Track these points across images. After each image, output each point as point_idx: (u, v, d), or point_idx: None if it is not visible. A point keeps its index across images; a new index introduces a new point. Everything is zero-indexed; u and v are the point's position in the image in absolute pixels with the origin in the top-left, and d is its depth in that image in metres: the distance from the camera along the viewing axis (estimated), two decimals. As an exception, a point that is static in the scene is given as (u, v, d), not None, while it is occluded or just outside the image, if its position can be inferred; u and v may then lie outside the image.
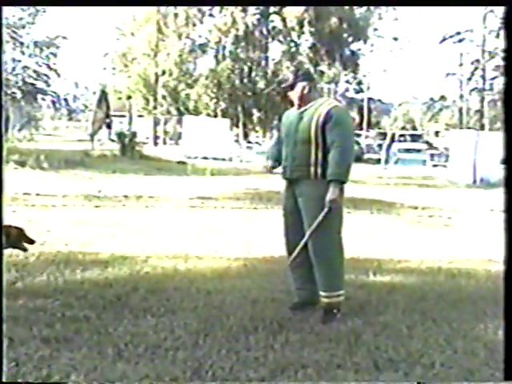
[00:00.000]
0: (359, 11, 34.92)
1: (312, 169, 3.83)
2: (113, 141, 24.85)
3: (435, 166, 24.15)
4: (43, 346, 3.20)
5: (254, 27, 33.36)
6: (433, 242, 7.26)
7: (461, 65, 38.06)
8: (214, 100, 33.08)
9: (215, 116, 31.56)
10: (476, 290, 4.85)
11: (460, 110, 39.89)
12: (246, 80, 33.92)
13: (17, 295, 4.01)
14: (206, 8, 32.58)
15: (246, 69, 33.92)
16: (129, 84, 34.71)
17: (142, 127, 32.64)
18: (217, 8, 32.52)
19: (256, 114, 34.01)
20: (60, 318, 3.67)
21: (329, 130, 3.77)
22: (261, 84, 33.61)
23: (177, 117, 36.76)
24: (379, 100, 50.84)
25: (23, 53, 32.71)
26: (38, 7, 30.63)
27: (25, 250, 4.17)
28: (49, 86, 35.07)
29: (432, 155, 26.55)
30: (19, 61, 32.73)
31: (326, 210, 3.74)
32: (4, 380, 2.71)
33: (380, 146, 29.31)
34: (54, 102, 37.15)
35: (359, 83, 38.63)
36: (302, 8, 32.03)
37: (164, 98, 34.13)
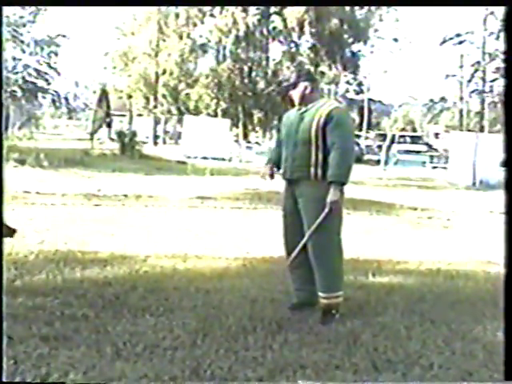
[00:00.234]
0: (360, 12, 34.93)
1: (312, 170, 3.83)
2: (113, 140, 24.86)
3: (435, 167, 24.19)
4: (42, 345, 3.20)
5: (254, 27, 33.34)
6: (432, 243, 7.26)
7: (461, 66, 38.01)
8: (215, 100, 33.10)
9: (215, 116, 31.58)
10: (475, 291, 4.85)
11: (460, 112, 39.85)
12: (246, 80, 33.88)
13: (16, 293, 4.00)
14: (206, 8, 32.54)
15: (246, 69, 33.89)
16: (129, 83, 34.74)
17: (142, 126, 32.56)
18: (217, 8, 32.47)
19: (256, 114, 34.03)
20: (59, 316, 3.67)
21: (329, 131, 3.78)
22: (261, 84, 33.61)
23: (177, 116, 36.79)
24: (379, 101, 50.78)
25: (24, 51, 32.70)
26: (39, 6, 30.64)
27: None
28: (49, 84, 35.06)
29: (432, 157, 26.59)
30: (20, 59, 32.71)
31: (326, 211, 3.75)
32: (4, 380, 2.71)
33: (380, 147, 29.29)
34: (54, 101, 37.11)
35: (359, 84, 38.68)
36: (303, 9, 32.04)
37: (164, 97, 34.13)
